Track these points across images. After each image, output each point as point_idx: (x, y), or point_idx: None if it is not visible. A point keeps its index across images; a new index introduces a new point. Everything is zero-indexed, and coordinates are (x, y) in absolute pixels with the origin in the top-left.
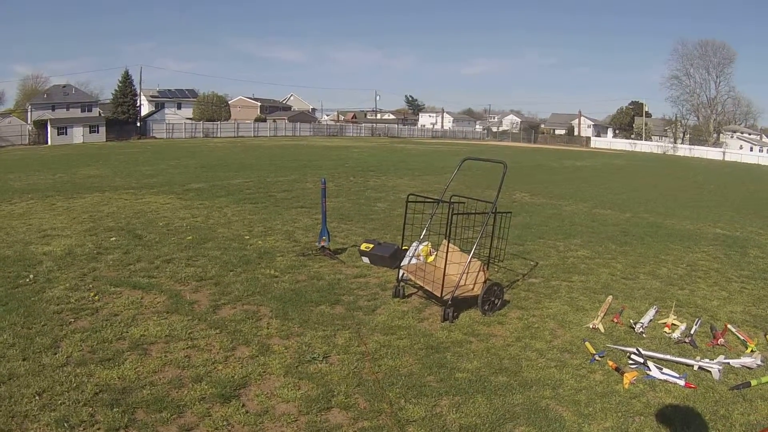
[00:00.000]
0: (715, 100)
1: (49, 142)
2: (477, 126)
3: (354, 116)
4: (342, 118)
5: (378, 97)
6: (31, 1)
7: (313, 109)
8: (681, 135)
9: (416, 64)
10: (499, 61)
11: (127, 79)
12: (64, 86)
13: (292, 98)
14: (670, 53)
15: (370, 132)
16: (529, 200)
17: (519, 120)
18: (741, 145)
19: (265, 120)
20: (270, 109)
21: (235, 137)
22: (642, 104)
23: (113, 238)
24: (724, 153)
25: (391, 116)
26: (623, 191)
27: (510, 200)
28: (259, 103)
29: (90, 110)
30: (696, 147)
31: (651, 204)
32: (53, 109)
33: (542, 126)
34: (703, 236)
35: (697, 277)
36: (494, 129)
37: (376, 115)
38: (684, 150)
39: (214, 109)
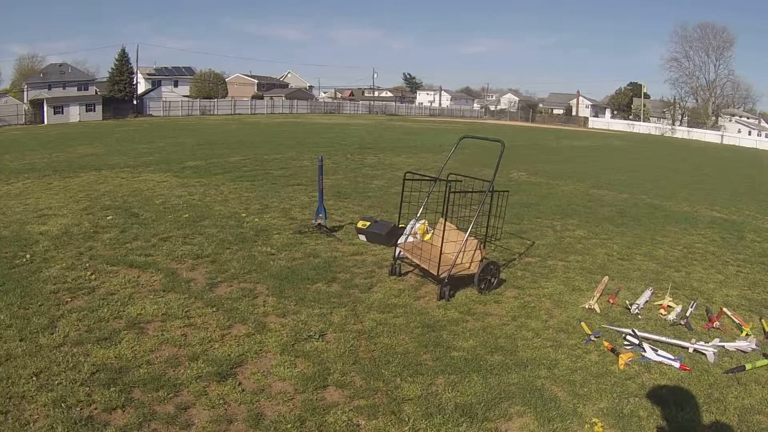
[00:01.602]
0: (714, 83)
1: (46, 122)
2: (475, 104)
3: (351, 94)
4: (339, 95)
5: (376, 75)
6: None
7: (311, 87)
8: (679, 117)
9: (415, 43)
10: (499, 42)
11: (123, 57)
12: (60, 65)
13: (289, 75)
14: (670, 35)
15: (368, 110)
16: (527, 179)
17: (517, 99)
18: (739, 129)
19: (262, 97)
20: (267, 86)
21: (232, 115)
22: (641, 85)
23: (110, 217)
24: (722, 136)
25: (389, 94)
26: (621, 172)
27: (507, 179)
28: (256, 81)
29: (86, 89)
30: (694, 129)
31: (648, 185)
32: (49, 89)
33: (540, 105)
34: (700, 219)
35: (693, 260)
36: (492, 108)
37: (373, 93)
38: (682, 132)
39: (211, 86)
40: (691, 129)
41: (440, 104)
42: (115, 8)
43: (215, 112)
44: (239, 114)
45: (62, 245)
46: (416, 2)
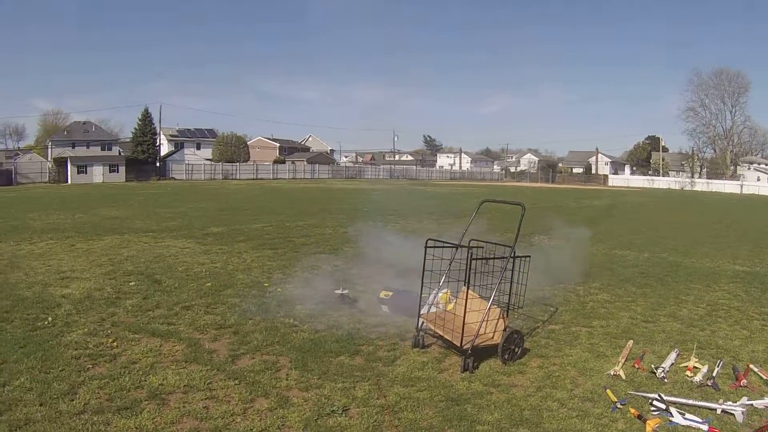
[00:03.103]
0: (731, 131)
1: (69, 181)
2: (495, 166)
3: (372, 157)
4: (360, 159)
5: (396, 138)
6: (51, 36)
7: (332, 150)
8: (698, 169)
9: (434, 103)
10: (516, 99)
11: (146, 118)
12: (84, 123)
13: (310, 139)
14: (685, 84)
15: (389, 174)
16: (548, 243)
17: (536, 159)
18: (758, 177)
19: (284, 161)
20: (289, 150)
21: (254, 179)
22: (659, 139)
23: (132, 283)
24: (741, 186)
25: (410, 157)
26: (642, 230)
27: (529, 243)
28: (278, 144)
29: (110, 149)
30: (713, 181)
31: (669, 242)
32: (73, 147)
33: (560, 165)
34: (723, 274)
35: (717, 317)
36: (512, 169)
37: (394, 156)
38: (701, 185)
39: (234, 149)
40: (710, 181)
41: (460, 167)
42: (138, 67)
43: (237, 176)
44: (261, 178)
45: (84, 310)
46: (435, 63)
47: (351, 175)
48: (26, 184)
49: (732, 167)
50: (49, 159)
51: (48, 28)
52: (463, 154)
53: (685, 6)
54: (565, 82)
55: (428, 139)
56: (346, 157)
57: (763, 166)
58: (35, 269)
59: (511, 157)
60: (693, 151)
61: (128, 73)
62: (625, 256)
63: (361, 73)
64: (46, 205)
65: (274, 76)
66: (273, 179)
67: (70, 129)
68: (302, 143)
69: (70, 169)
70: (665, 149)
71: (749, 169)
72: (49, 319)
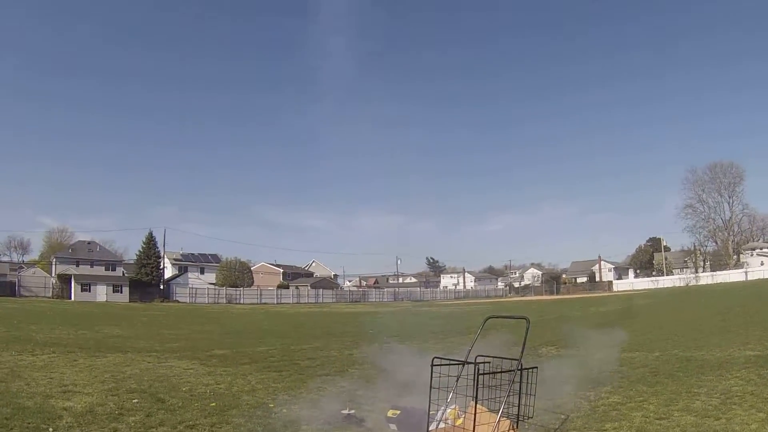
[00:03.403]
0: (730, 221)
1: (73, 298)
2: (499, 283)
3: (376, 281)
4: (364, 283)
5: (399, 262)
6: (58, 156)
7: (335, 275)
8: (702, 263)
9: (436, 226)
10: (517, 217)
11: (150, 241)
12: (88, 243)
13: (314, 264)
14: (681, 182)
15: (393, 297)
16: (556, 353)
17: (540, 272)
18: (762, 261)
19: (287, 287)
20: (292, 275)
21: (258, 304)
22: (660, 239)
23: (135, 400)
24: (746, 273)
25: (413, 279)
26: (649, 330)
27: (536, 355)
28: (282, 270)
29: (114, 269)
30: (717, 273)
31: (678, 338)
32: (77, 265)
33: (563, 276)
34: (734, 361)
35: (732, 404)
36: (516, 284)
37: (398, 279)
38: (706, 278)
39: (237, 274)
40: (714, 273)
41: (464, 286)
42: (143, 191)
43: (241, 301)
44: (265, 303)
45: (86, 423)
46: (436, 189)
47: (355, 299)
48: (29, 297)
49: (735, 256)
50: (53, 275)
51: (57, 147)
52: (466, 273)
53: (674, 105)
54: (565, 198)
55: (431, 260)
56: (350, 281)
57: (765, 250)
58: (37, 380)
59: (515, 273)
60: (695, 246)
61: (134, 197)
62: (633, 357)
63: (363, 201)
64: (49, 319)
65: (278, 205)
66: (277, 304)
67: (74, 247)
68: (306, 268)
69: (74, 286)
70: (667, 249)
71: (752, 255)
72: (50, 430)
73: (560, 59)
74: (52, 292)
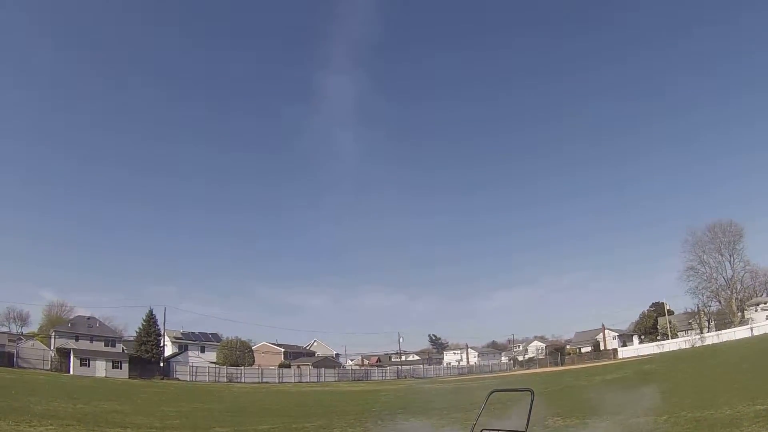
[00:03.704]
0: (732, 279)
1: (72, 372)
2: (503, 357)
3: (378, 360)
4: (366, 362)
5: (401, 339)
6: (60, 230)
7: (337, 354)
8: (706, 324)
9: (438, 304)
10: (518, 291)
11: (151, 319)
12: (88, 318)
13: (315, 344)
14: (681, 245)
15: (396, 374)
16: (562, 423)
17: (543, 345)
18: (767, 316)
19: (289, 366)
20: (294, 354)
21: (259, 383)
22: (663, 304)
23: None
24: (751, 329)
25: (416, 357)
26: (656, 394)
27: (543, 426)
28: (283, 349)
29: (114, 345)
30: (723, 332)
31: (687, 400)
32: (77, 340)
33: (567, 346)
34: (744, 417)
35: None
36: (520, 358)
37: (400, 357)
38: (712, 338)
39: (238, 353)
40: (719, 332)
41: (468, 362)
42: (144, 270)
43: (242, 380)
44: (266, 382)
45: None
46: (438, 269)
47: (357, 377)
48: (27, 369)
49: (739, 314)
50: (52, 348)
51: (58, 226)
52: (469, 349)
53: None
54: (565, 270)
55: (433, 338)
56: (351, 360)
57: None
58: None
59: (518, 347)
60: (698, 307)
61: (135, 275)
62: (641, 423)
63: (365, 283)
64: (47, 392)
65: (279, 287)
66: (278, 383)
67: (74, 322)
68: (307, 348)
69: (73, 360)
70: (670, 312)
71: (756, 310)
72: None
73: (552, 145)
74: (51, 365)
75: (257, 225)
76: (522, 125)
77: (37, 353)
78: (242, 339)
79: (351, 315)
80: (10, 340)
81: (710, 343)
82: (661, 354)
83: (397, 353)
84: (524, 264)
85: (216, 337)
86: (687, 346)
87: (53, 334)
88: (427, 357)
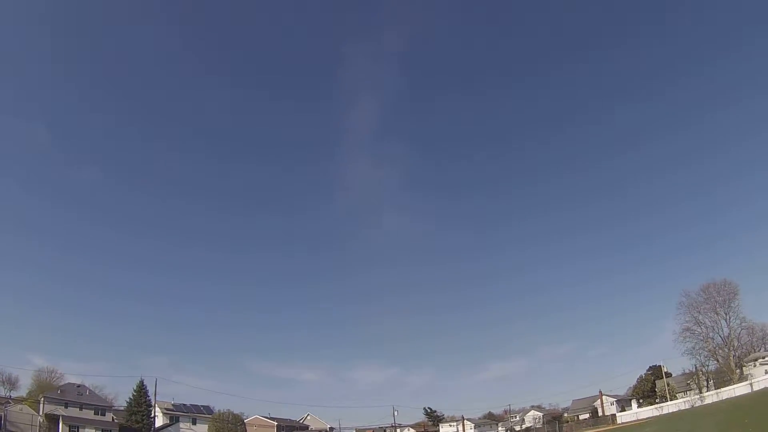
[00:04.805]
0: (729, 337)
1: None
2: (500, 428)
3: None
4: None
5: (396, 413)
6: (51, 297)
7: (331, 428)
8: (705, 383)
9: (433, 376)
10: (514, 362)
11: (141, 389)
12: (78, 386)
13: (308, 417)
14: (676, 307)
15: None
16: None
17: (541, 414)
18: (766, 370)
19: None
20: (287, 428)
21: None
22: (660, 367)
23: None
24: (751, 384)
25: (411, 430)
26: None
27: None
28: (276, 423)
29: (103, 414)
30: (722, 390)
31: None
32: (66, 406)
33: (565, 415)
34: None
35: None
36: (517, 428)
37: (395, 431)
38: (711, 396)
39: (230, 426)
40: (719, 390)
41: None
42: (136, 341)
43: None
44: None
45: None
46: (432, 342)
47: None
48: None
49: (738, 371)
50: (41, 413)
51: (50, 292)
52: (465, 421)
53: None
54: (561, 341)
55: (429, 410)
56: None
57: None
58: None
59: (515, 417)
60: (696, 368)
61: (126, 345)
62: None
63: (358, 357)
64: None
65: (272, 361)
66: None
67: (64, 389)
68: (301, 421)
69: (62, 427)
70: (668, 374)
71: (755, 366)
72: None
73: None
74: (39, 430)
75: (253, 297)
76: (527, 188)
77: (26, 418)
78: (234, 412)
79: (345, 389)
80: None
81: (710, 401)
82: (661, 416)
83: (392, 426)
84: (520, 334)
85: (208, 409)
86: (686, 407)
87: (42, 399)
88: (423, 430)
